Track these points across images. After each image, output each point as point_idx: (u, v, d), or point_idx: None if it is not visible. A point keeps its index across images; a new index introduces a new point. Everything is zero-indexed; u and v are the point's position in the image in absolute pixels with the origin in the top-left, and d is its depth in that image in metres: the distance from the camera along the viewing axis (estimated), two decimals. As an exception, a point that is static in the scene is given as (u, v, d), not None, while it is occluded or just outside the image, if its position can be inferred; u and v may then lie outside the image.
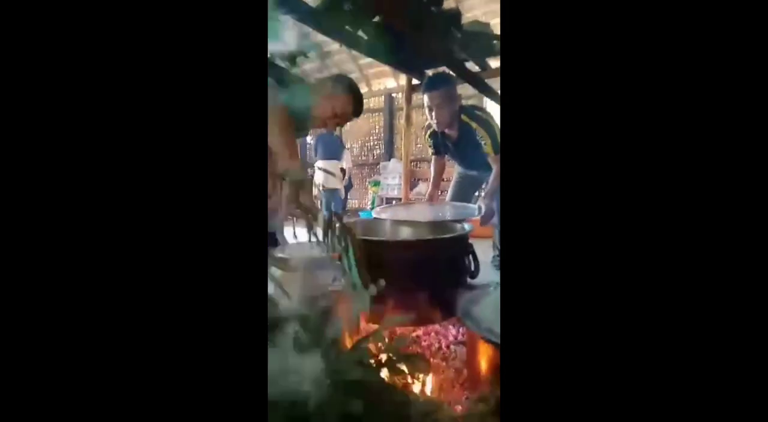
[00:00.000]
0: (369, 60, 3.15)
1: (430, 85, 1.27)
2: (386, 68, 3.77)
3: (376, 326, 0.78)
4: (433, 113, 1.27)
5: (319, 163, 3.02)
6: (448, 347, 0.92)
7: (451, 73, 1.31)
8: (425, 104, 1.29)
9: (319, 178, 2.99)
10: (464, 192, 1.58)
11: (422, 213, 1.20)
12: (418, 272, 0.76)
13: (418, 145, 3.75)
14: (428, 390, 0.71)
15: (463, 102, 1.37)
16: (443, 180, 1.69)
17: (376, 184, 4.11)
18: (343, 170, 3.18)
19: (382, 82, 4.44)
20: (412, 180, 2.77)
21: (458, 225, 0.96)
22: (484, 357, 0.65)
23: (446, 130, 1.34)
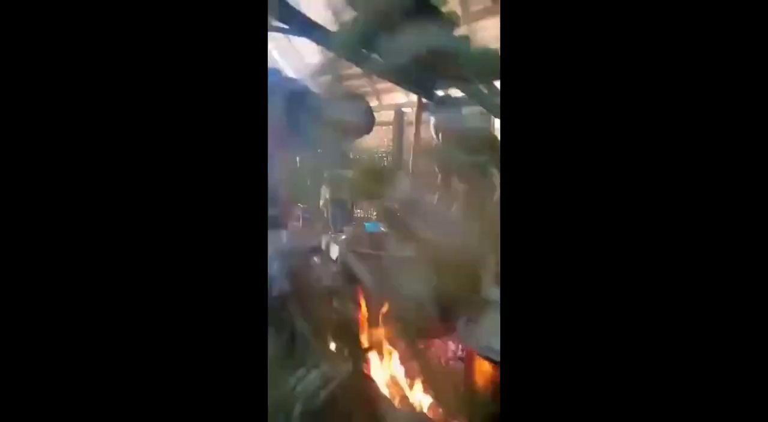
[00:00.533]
0: (380, 76, 3.26)
1: (436, 107, 1.32)
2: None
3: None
4: (440, 135, 1.32)
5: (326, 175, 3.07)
6: (447, 363, 0.94)
7: (457, 95, 1.37)
8: (431, 125, 1.34)
9: (325, 190, 3.04)
10: None
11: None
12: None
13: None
14: (426, 405, 0.73)
15: (470, 123, 1.42)
16: None
17: (383, 196, 4.15)
18: (350, 181, 3.23)
19: (393, 96, 4.54)
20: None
21: (461, 243, 0.99)
22: (482, 375, 0.67)
23: None
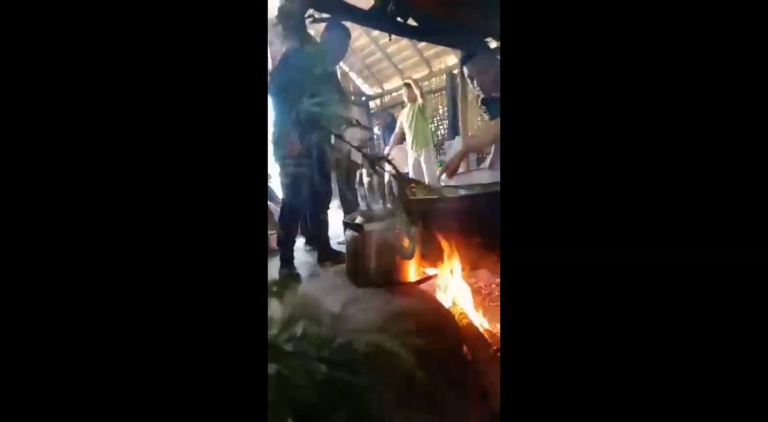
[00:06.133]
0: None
1: (466, 56, 1.32)
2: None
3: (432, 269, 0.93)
4: (475, 81, 1.32)
5: (388, 150, 3.23)
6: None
7: (486, 40, 1.34)
8: (466, 75, 1.34)
9: (387, 164, 3.22)
10: None
11: (481, 178, 1.28)
12: (470, 223, 0.88)
13: (480, 120, 3.66)
14: (483, 321, 0.84)
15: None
16: None
17: (441, 163, 4.16)
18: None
19: (443, 60, 4.39)
20: (478, 155, 2.78)
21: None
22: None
23: (494, 94, 1.37)
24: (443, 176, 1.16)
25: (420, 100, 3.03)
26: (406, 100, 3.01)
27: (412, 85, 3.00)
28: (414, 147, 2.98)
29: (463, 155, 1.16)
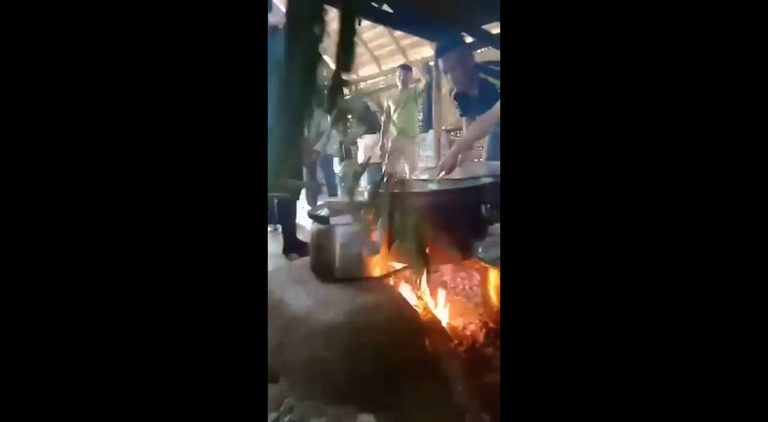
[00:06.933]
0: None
1: (442, 50, 1.31)
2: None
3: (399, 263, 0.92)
4: (449, 76, 1.32)
5: (362, 140, 3.16)
6: (471, 288, 1.05)
7: (462, 34, 1.34)
8: (441, 69, 1.33)
9: (361, 154, 3.15)
10: (497, 147, 1.60)
11: (479, 170, 1.29)
12: (437, 218, 0.88)
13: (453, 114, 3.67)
14: (446, 315, 0.85)
15: (480, 60, 1.38)
16: None
17: (418, 156, 4.17)
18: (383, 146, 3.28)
19: (419, 51, 4.35)
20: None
21: (483, 179, 1.04)
22: (494, 286, 0.77)
23: (467, 90, 1.38)
24: (442, 173, 1.14)
25: (422, 84, 2.87)
26: (399, 83, 2.85)
27: (414, 67, 2.81)
28: (399, 136, 2.87)
29: (456, 153, 1.16)
